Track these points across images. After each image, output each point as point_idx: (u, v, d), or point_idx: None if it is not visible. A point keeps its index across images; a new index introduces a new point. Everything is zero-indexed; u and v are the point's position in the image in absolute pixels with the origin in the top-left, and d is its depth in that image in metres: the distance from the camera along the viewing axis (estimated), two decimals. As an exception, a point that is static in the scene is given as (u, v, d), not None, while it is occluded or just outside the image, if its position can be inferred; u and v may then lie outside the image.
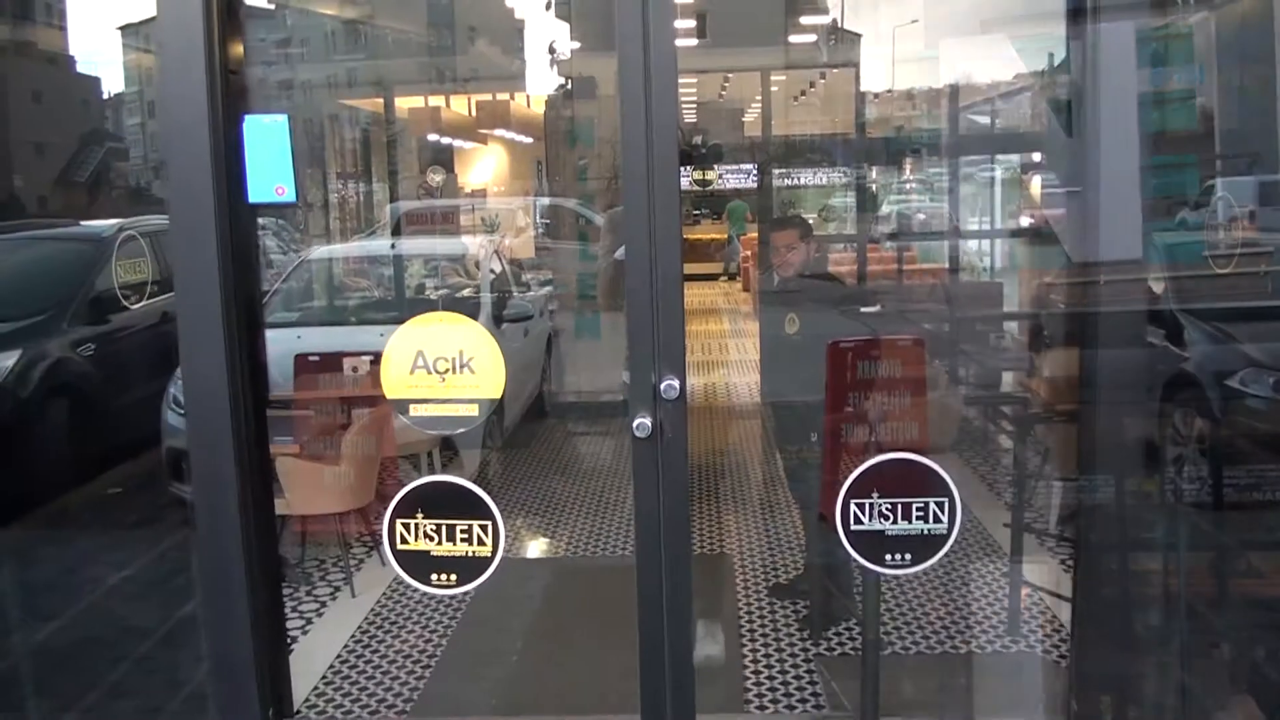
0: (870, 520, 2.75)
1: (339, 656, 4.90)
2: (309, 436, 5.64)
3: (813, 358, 4.66)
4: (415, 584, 2.84)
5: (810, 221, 6.66)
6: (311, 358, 5.94)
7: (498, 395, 2.83)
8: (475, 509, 2.81)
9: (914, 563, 2.79)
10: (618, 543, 6.16)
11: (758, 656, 4.74)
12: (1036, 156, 10.86)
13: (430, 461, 6.71)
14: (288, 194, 7.55)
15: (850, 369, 4.56)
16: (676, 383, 2.58)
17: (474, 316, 7.07)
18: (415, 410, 2.79)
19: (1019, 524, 5.15)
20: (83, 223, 9.50)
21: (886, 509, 2.73)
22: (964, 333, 8.20)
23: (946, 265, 9.72)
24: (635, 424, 2.60)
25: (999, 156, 11.19)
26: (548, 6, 11.75)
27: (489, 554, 2.81)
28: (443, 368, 2.78)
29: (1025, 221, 11.06)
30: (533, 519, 6.66)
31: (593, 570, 5.89)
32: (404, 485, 2.92)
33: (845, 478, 5.07)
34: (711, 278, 17.73)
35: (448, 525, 2.80)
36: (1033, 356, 8.05)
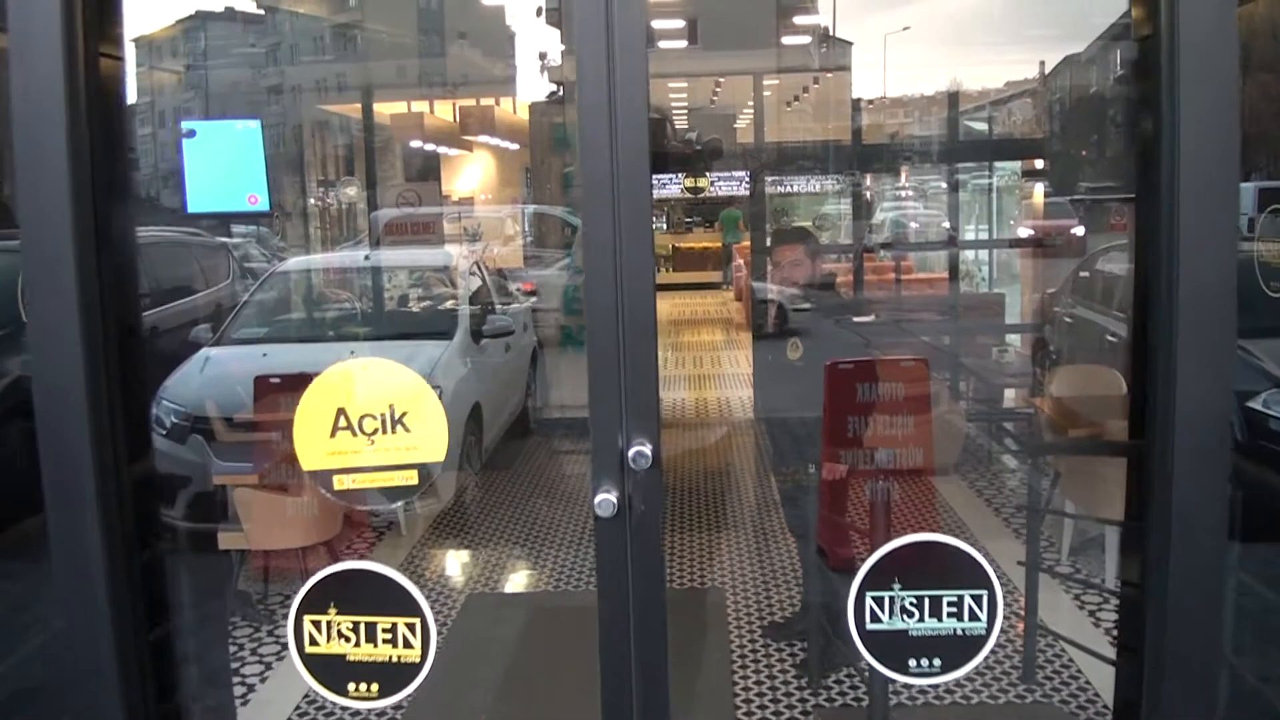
0: (890, 618, 2.16)
1: (298, 709, 4.32)
2: (269, 465, 5.07)
3: (813, 379, 4.21)
4: (329, 695, 2.25)
5: (816, 234, 6.10)
6: (273, 379, 5.39)
7: (440, 458, 2.24)
8: (400, 604, 2.22)
9: (944, 669, 2.19)
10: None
11: (752, 708, 4.20)
12: (1039, 163, 10.39)
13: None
14: (261, 203, 6.88)
15: (850, 392, 4.15)
16: (649, 448, 2.00)
17: (450, 331, 6.61)
18: (340, 482, 2.20)
19: (1035, 561, 4.58)
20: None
21: (910, 604, 2.14)
22: (964, 346, 7.71)
23: (945, 274, 9.22)
24: (597, 500, 2.03)
25: (995, 163, 10.67)
26: (539, 13, 11.22)
27: (418, 659, 2.21)
28: (370, 428, 2.21)
29: (1024, 232, 10.56)
30: (514, 548, 6.07)
31: (582, 607, 5.29)
32: (323, 567, 2.32)
33: (845, 508, 4.57)
34: (705, 286, 17.17)
35: (367, 623, 2.20)
36: (1037, 372, 7.54)
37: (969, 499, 6.36)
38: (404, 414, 2.20)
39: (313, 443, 2.21)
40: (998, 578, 2.17)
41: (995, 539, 5.72)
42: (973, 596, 2.13)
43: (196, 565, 4.86)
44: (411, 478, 2.23)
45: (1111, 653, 4.40)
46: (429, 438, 2.21)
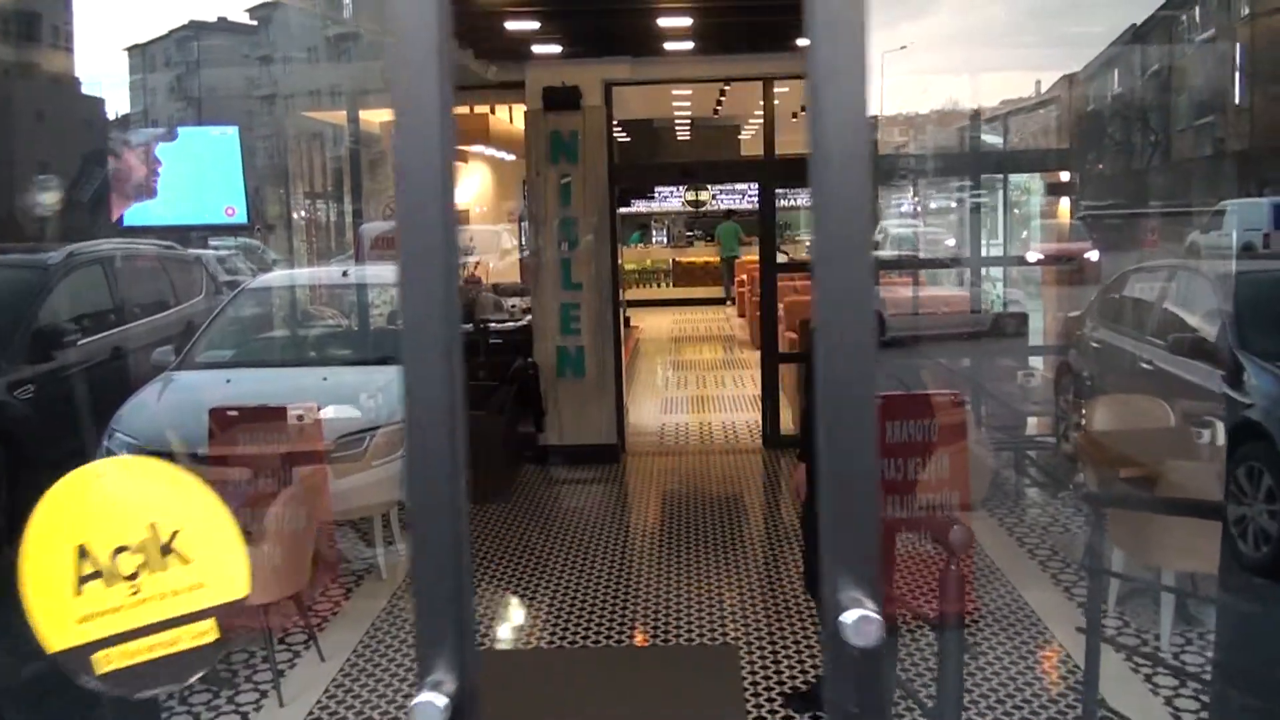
0: None
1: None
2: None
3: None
4: None
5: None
6: (230, 412, 4.53)
7: (243, 591, 1.35)
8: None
9: None
10: (617, 622, 4.68)
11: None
12: (1064, 175, 9.54)
13: (386, 525, 5.26)
14: (238, 215, 5.85)
15: (878, 430, 3.37)
16: (873, 609, 1.04)
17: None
18: (106, 661, 1.30)
19: (1095, 626, 3.70)
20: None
21: None
22: (986, 369, 6.88)
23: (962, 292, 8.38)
24: (415, 702, 1.12)
25: (1002, 180, 9.83)
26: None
27: None
28: (129, 566, 1.32)
29: (1033, 257, 9.72)
30: (509, 595, 5.16)
31: (590, 660, 4.39)
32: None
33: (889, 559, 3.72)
34: (706, 302, 16.31)
35: None
36: (1061, 400, 6.66)
37: (1000, 539, 5.47)
38: (174, 534, 1.33)
39: (53, 608, 1.32)
40: None
41: (1034, 588, 4.84)
42: None
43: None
44: (208, 631, 1.35)
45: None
46: (219, 564, 1.34)
